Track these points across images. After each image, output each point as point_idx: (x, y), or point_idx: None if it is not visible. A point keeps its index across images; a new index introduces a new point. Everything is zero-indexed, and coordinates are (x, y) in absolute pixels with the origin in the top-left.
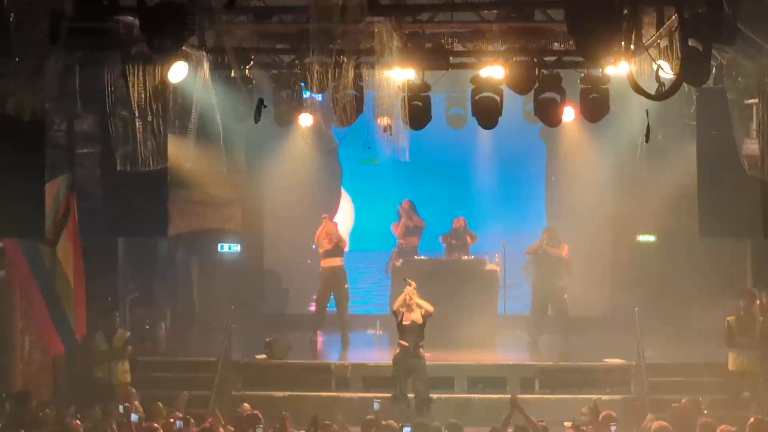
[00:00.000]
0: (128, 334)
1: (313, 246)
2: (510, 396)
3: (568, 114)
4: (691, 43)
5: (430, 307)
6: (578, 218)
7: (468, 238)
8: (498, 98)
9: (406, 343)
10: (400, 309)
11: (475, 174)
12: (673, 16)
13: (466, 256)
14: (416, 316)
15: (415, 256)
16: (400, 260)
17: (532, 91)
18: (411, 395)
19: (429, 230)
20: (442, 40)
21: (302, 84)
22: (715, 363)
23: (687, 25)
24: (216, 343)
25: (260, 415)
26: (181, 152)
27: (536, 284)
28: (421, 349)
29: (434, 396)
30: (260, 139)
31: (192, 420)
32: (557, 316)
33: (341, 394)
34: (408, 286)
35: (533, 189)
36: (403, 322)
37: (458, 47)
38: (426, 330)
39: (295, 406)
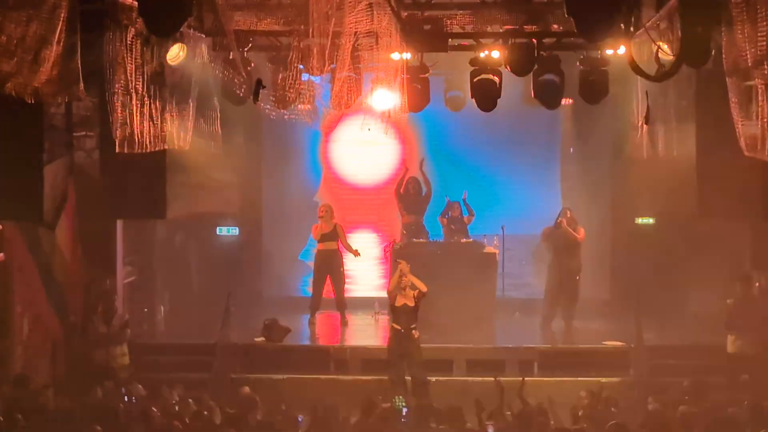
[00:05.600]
0: (126, 317)
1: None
2: (494, 379)
3: None
4: (690, 24)
5: (423, 287)
6: (578, 200)
7: (465, 219)
8: (497, 80)
9: (398, 326)
10: (393, 291)
11: (473, 154)
12: None
13: (465, 239)
14: (408, 298)
15: (415, 238)
16: (399, 243)
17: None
18: (408, 378)
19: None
20: (441, 22)
21: (301, 66)
22: (714, 346)
23: (687, 7)
24: (214, 326)
25: (257, 399)
26: (178, 134)
27: (551, 265)
28: (413, 332)
29: (433, 379)
30: (259, 121)
31: (191, 401)
32: (567, 299)
33: (340, 377)
34: (399, 265)
35: (536, 169)
36: (395, 305)
37: (457, 29)
38: (423, 313)
39: (294, 389)
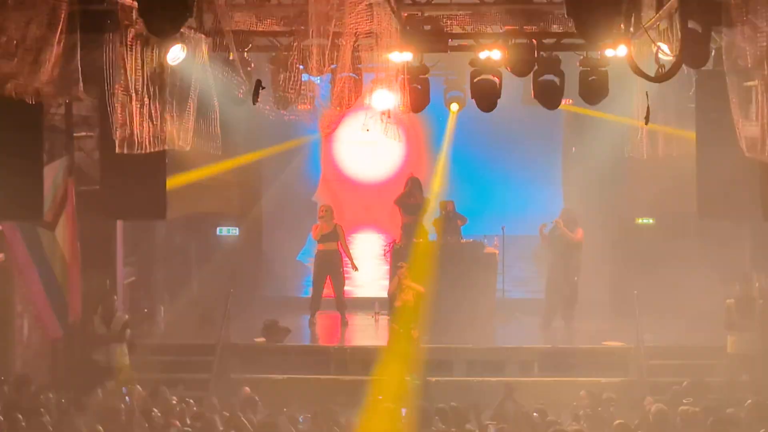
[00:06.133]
0: (126, 317)
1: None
2: (506, 382)
3: None
4: (690, 25)
5: (420, 288)
6: (579, 200)
7: (458, 222)
8: (497, 81)
9: (397, 326)
10: (394, 292)
11: (473, 154)
12: None
13: (461, 240)
14: (408, 297)
15: (414, 238)
16: (400, 243)
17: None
18: (408, 378)
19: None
20: (441, 23)
21: (301, 67)
22: (714, 346)
23: (686, 7)
24: (214, 326)
25: (258, 399)
26: (178, 135)
27: (550, 266)
28: (413, 332)
29: (433, 379)
30: (258, 121)
31: (192, 401)
32: (566, 299)
33: (340, 377)
34: (400, 269)
35: (538, 169)
36: (395, 305)
37: (457, 30)
38: (424, 313)
39: (294, 389)
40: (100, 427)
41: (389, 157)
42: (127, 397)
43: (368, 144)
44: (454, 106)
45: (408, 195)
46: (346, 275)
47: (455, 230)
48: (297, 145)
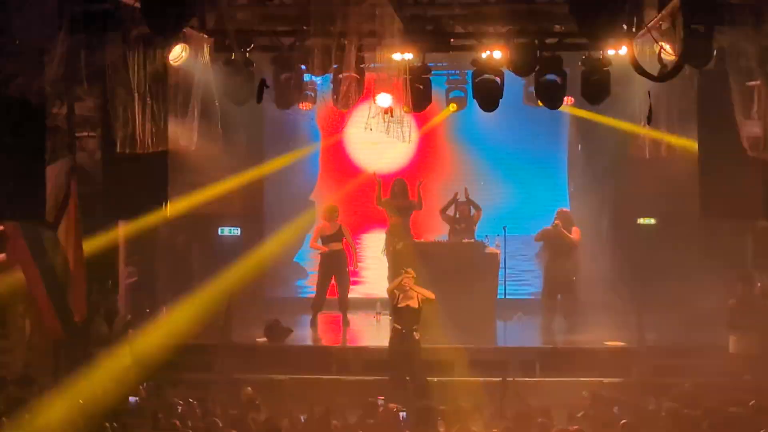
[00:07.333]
0: (129, 317)
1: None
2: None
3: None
4: (692, 25)
5: (431, 295)
6: (580, 200)
7: (473, 211)
8: (499, 80)
9: (399, 327)
10: (395, 292)
11: (474, 154)
12: None
13: (467, 239)
14: (412, 300)
15: (400, 239)
16: (401, 243)
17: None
18: (409, 378)
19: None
20: (443, 22)
21: (303, 67)
22: (716, 346)
23: (689, 7)
24: (216, 326)
25: (259, 399)
26: (182, 135)
27: (547, 266)
28: (415, 333)
29: (434, 379)
30: (261, 121)
31: (195, 402)
32: (566, 299)
33: (342, 378)
34: (405, 273)
35: (541, 169)
36: (398, 306)
37: (459, 29)
38: (426, 313)
39: (296, 390)
40: (107, 424)
41: (394, 157)
42: (129, 397)
43: (374, 143)
44: (452, 107)
45: (392, 197)
46: (352, 273)
47: (468, 228)
48: (301, 148)
